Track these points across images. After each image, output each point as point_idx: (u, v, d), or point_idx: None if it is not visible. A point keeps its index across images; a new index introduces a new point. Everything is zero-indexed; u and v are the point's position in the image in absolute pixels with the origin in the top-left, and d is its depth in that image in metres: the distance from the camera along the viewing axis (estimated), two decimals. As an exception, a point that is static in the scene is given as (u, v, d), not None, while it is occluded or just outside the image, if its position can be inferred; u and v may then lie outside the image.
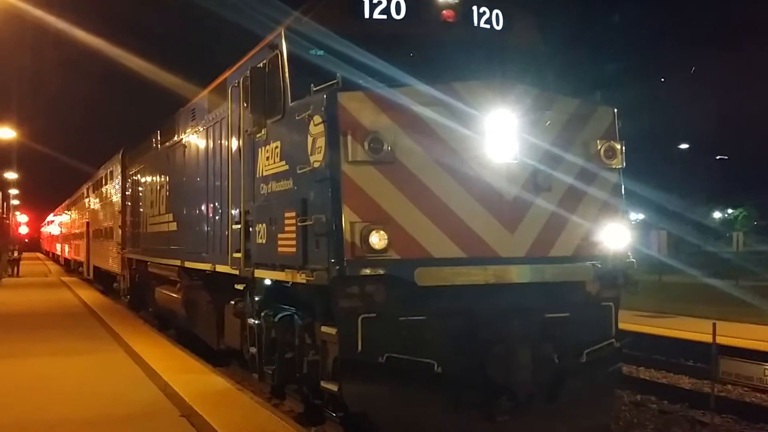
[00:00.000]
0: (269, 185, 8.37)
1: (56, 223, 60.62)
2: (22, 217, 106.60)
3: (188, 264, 12.20)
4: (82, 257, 33.55)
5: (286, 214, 7.72)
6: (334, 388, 6.96)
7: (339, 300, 6.80)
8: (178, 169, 13.24)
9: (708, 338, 10.28)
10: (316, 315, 7.45)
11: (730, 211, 71.66)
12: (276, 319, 8.53)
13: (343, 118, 6.89)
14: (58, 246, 57.45)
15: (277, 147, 8.18)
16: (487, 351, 6.83)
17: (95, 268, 27.61)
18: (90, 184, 30.87)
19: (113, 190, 22.58)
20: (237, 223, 9.30)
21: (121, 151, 20.69)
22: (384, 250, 6.73)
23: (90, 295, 24.17)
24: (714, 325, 10.09)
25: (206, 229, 11.19)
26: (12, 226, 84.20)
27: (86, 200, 32.54)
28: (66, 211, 46.57)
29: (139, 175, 17.61)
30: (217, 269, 10.47)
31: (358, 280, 6.74)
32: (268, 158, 8.42)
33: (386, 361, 6.65)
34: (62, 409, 8.44)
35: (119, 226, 20.59)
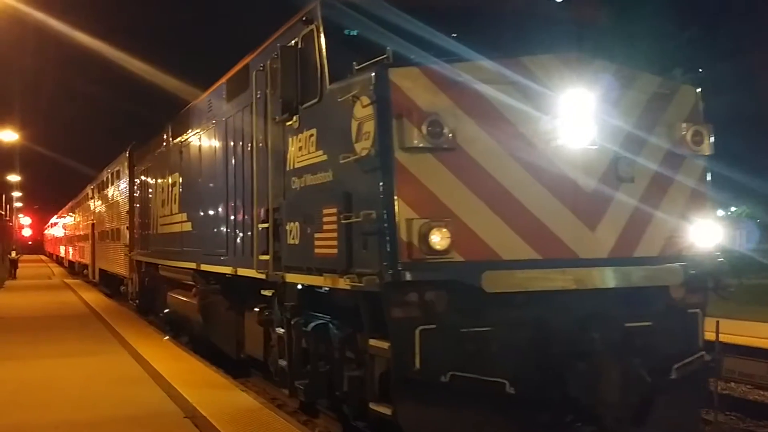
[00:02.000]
0: (303, 179, 7.38)
1: (60, 225, 59.83)
2: (25, 220, 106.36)
3: (205, 267, 11.21)
4: (87, 260, 32.54)
5: (325, 211, 6.73)
6: (387, 411, 5.96)
7: (393, 309, 5.80)
8: (192, 166, 12.24)
9: (711, 336, 9.68)
10: (361, 325, 6.46)
11: (733, 209, 70.61)
12: (308, 329, 7.58)
13: (395, 98, 5.89)
14: (62, 248, 56.58)
15: (312, 135, 7.19)
16: (567, 367, 5.84)
17: (101, 270, 26.60)
18: (95, 184, 29.89)
19: (120, 190, 21.59)
20: (263, 221, 8.31)
21: (129, 149, 19.68)
22: (446, 251, 5.73)
23: (94, 298, 23.58)
24: (717, 323, 9.41)
25: (225, 229, 10.19)
26: (15, 229, 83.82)
27: (91, 201, 31.53)
28: (70, 213, 45.55)
29: (148, 174, 16.60)
30: (239, 273, 9.48)
31: (416, 286, 5.74)
32: (301, 148, 7.44)
33: (450, 380, 5.67)
34: (66, 411, 8.30)
35: (127, 228, 19.58)
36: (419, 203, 5.80)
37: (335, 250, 6.53)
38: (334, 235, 6.55)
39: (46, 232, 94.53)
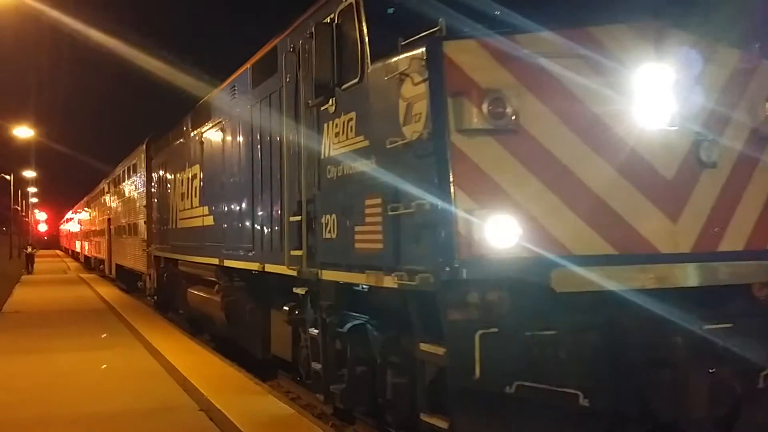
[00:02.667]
0: (340, 167, 6.73)
1: (75, 221, 59.54)
2: (40, 215, 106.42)
3: (228, 263, 10.60)
4: (103, 255, 32.06)
5: (368, 202, 6.08)
6: (442, 424, 5.30)
7: (449, 311, 5.14)
8: (214, 157, 11.62)
9: None
10: (407, 327, 5.82)
11: None
12: (344, 330, 6.96)
13: (451, 74, 5.21)
14: (78, 243, 56.33)
15: (351, 119, 6.54)
16: (647, 376, 5.17)
17: (118, 266, 26.08)
18: (111, 178, 29.35)
19: (137, 184, 21.03)
20: (295, 214, 7.68)
21: (146, 142, 19.07)
22: (509, 246, 5.07)
23: (109, 293, 23.28)
24: None
25: (251, 223, 9.56)
26: (31, 224, 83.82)
27: (107, 196, 31.01)
28: (85, 208, 45.11)
29: (166, 167, 16.01)
30: (267, 269, 8.86)
31: (476, 285, 5.09)
32: (338, 134, 6.78)
33: (516, 391, 5.01)
34: (83, 404, 8.22)
35: (144, 222, 18.99)
36: (479, 192, 5.12)
37: (380, 245, 5.88)
38: (378, 228, 5.91)
39: (61, 227, 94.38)
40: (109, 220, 29.04)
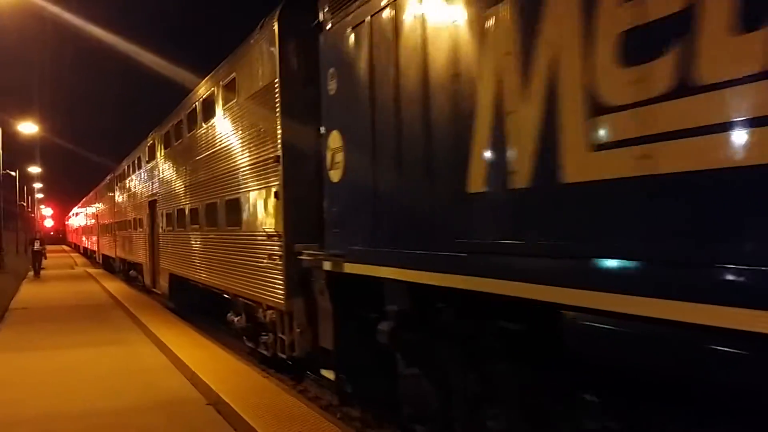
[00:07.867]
0: None
1: (83, 214, 49.73)
2: (46, 210, 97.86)
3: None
4: (140, 258, 21.21)
5: None
6: None
7: None
8: None
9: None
10: None
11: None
12: None
13: None
14: (88, 239, 46.33)
15: None
16: None
17: (173, 277, 15.65)
18: (160, 133, 17.51)
19: (244, 122, 10.32)
20: None
21: (279, 11, 8.61)
22: None
23: (116, 287, 21.72)
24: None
25: None
26: (37, 219, 75.89)
27: (151, 165, 19.04)
28: (108, 193, 33.49)
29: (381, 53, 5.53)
30: None
31: None
32: None
33: None
34: (90, 399, 7.92)
35: (275, 194, 8.62)
36: None
37: None
38: None
39: (68, 222, 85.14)
40: (152, 202, 18.48)
